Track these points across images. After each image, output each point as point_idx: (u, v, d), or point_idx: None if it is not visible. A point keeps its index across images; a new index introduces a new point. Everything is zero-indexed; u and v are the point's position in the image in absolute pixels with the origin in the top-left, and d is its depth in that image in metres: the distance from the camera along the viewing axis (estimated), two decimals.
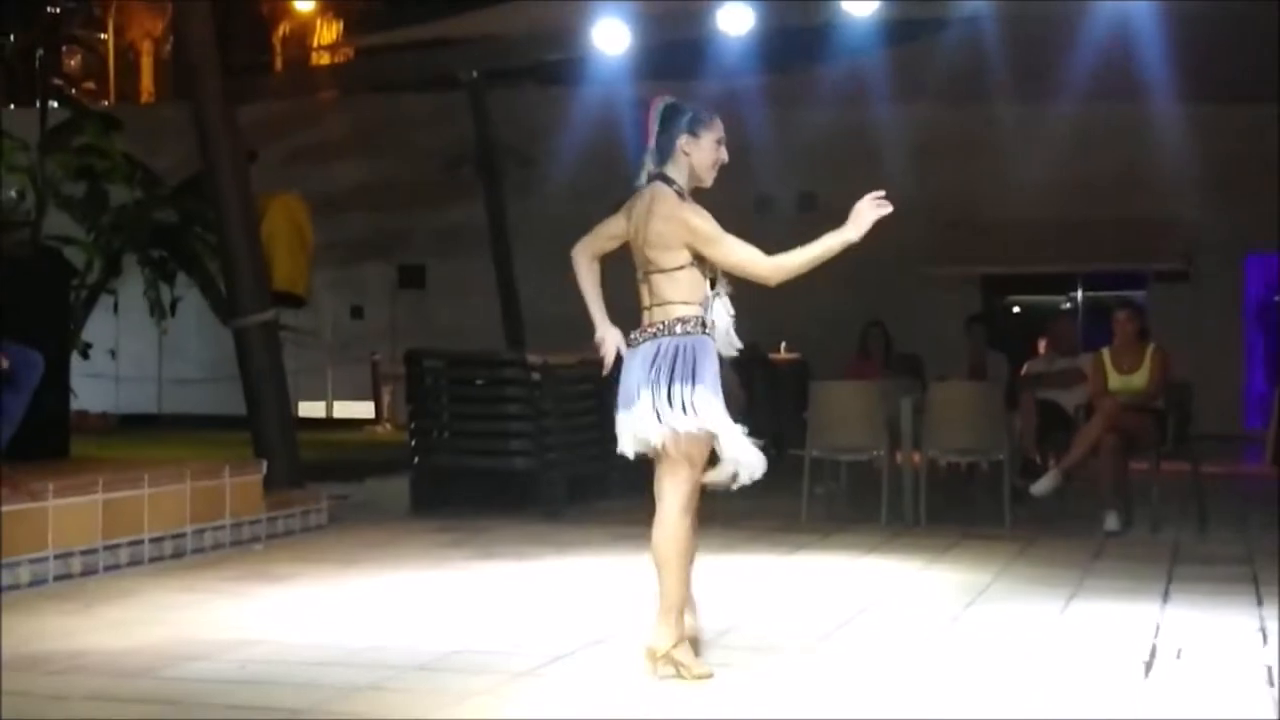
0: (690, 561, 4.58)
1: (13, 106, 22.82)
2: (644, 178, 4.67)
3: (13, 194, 15.74)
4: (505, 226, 15.18)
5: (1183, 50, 12.12)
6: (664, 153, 4.66)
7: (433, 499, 9.22)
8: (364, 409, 18.50)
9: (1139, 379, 8.49)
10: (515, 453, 9.17)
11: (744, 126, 16.15)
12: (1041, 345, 10.39)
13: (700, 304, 4.62)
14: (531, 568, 6.93)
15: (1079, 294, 18.07)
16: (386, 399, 17.73)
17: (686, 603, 4.63)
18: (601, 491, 9.42)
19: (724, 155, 4.76)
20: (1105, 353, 8.67)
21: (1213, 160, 15.76)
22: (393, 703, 4.30)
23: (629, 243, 4.71)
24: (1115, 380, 8.53)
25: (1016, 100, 16.22)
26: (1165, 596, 6.07)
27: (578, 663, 4.84)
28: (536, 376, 9.14)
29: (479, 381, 9.57)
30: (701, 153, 4.68)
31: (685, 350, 4.52)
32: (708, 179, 4.73)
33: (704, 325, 4.60)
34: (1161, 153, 15.62)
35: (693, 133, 4.68)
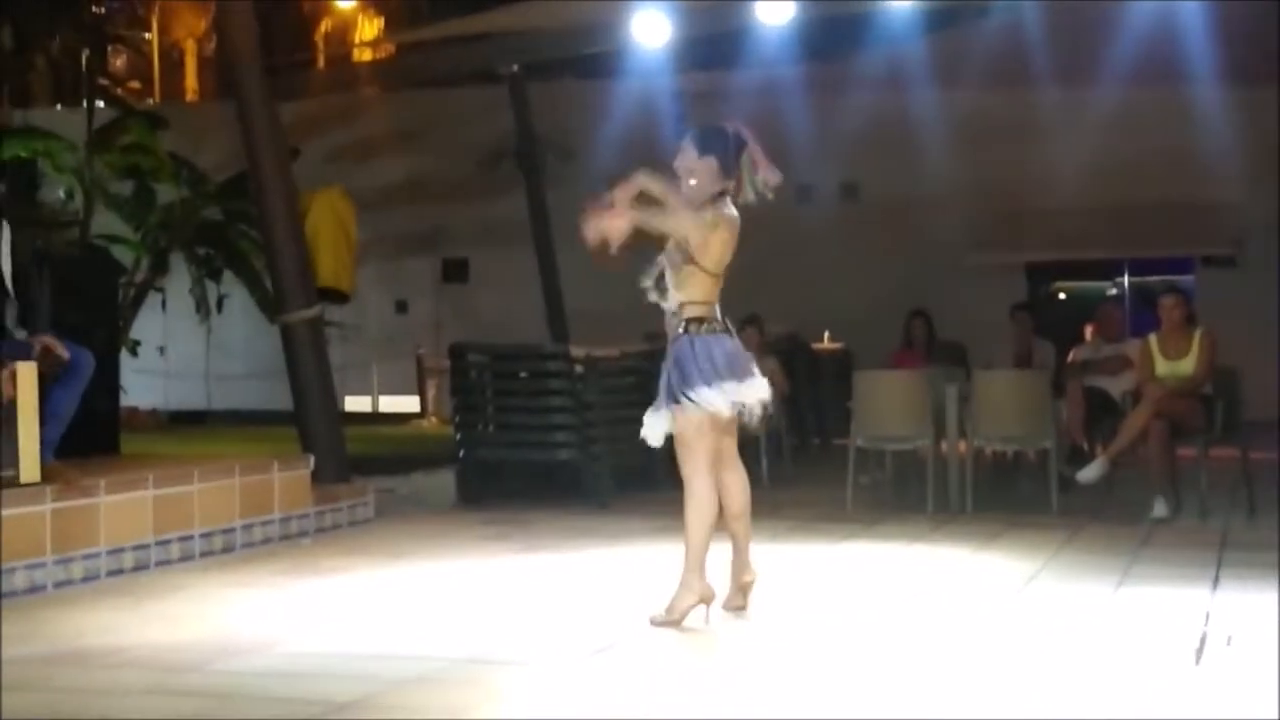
0: None
1: (59, 107, 23.07)
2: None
3: (61, 194, 15.94)
4: (546, 220, 15.21)
5: (1228, 31, 12.00)
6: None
7: (478, 492, 9.27)
8: (409, 403, 18.59)
9: (1187, 364, 8.41)
10: (560, 445, 9.19)
11: (784, 115, 16.12)
12: (1088, 332, 10.31)
13: None
14: (577, 559, 6.95)
15: (1125, 280, 17.92)
16: (431, 393, 17.81)
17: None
18: (646, 483, 9.41)
19: None
20: (1152, 339, 8.60)
21: (1260, 143, 15.57)
22: (439, 695, 4.32)
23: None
24: (1163, 366, 8.46)
25: (1060, 84, 16.10)
26: (1215, 583, 6.02)
27: (623, 655, 4.85)
28: (580, 369, 9.16)
29: (523, 374, 9.60)
30: None
31: None
32: None
33: None
34: (1208, 136, 15.46)
35: None
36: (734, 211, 5.25)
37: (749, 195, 5.28)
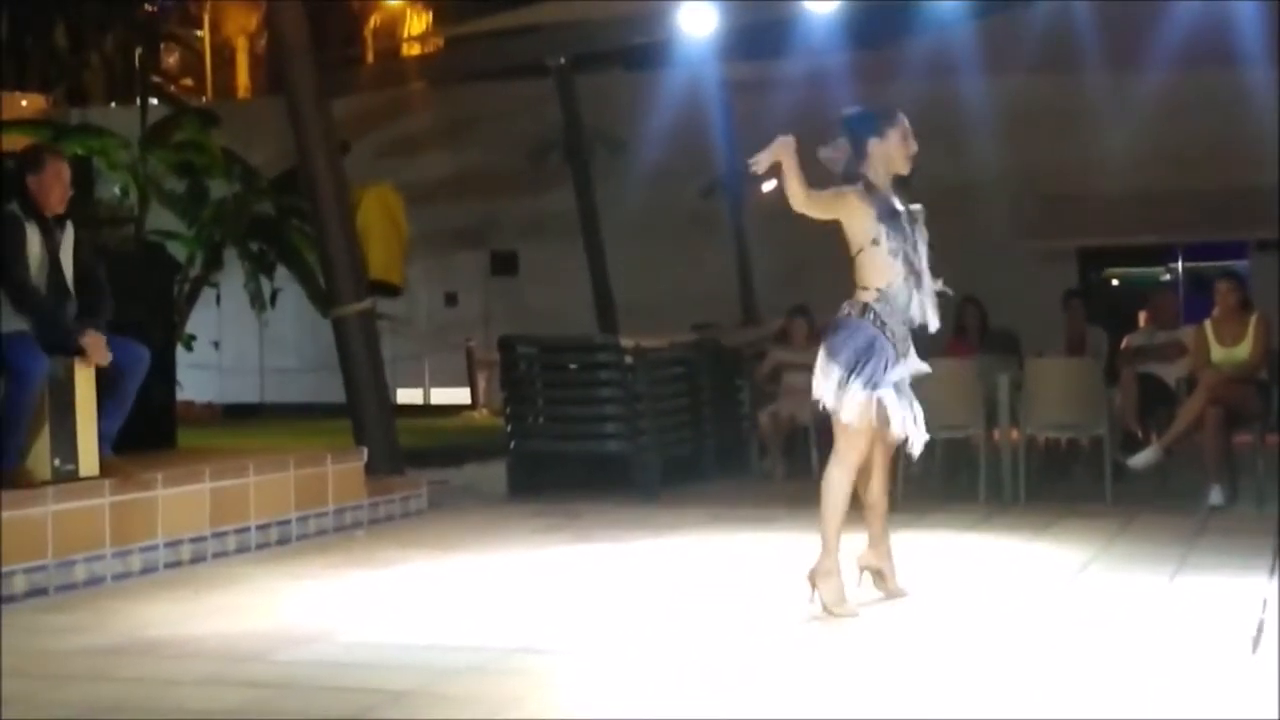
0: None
1: (114, 105, 23.35)
2: None
3: (116, 191, 16.13)
4: (595, 211, 15.23)
5: (1279, 14, 11.84)
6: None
7: (529, 483, 9.31)
8: (460, 395, 18.69)
9: (1242, 350, 8.33)
10: (609, 436, 9.21)
11: (831, 104, 16.05)
12: (1142, 318, 10.23)
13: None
14: (627, 550, 6.97)
15: (1179, 265, 17.74)
16: (482, 385, 17.90)
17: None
18: (694, 473, 9.43)
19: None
20: (1207, 324, 8.51)
21: None
22: (492, 685, 4.36)
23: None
24: (1218, 352, 8.38)
25: (1109, 69, 15.95)
26: (1272, 571, 5.96)
27: (678, 645, 4.87)
28: (629, 360, 9.18)
29: (572, 366, 9.63)
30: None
31: None
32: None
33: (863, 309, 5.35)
34: (1260, 119, 15.26)
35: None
36: (850, 191, 5.36)
37: (878, 177, 5.40)
